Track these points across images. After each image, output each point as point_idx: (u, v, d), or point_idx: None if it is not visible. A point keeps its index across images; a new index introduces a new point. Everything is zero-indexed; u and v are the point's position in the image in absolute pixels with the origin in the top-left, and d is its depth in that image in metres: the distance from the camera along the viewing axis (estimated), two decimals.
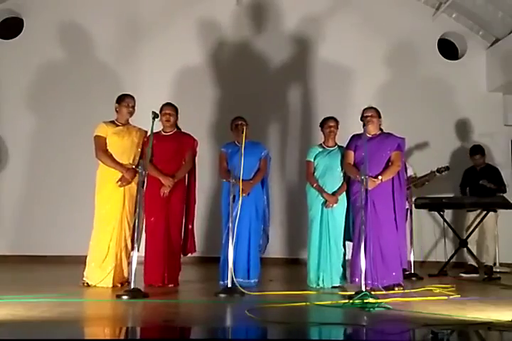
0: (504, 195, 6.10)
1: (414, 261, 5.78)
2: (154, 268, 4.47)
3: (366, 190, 4.16)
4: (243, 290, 4.06)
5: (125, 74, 7.05)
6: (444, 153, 7.22)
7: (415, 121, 7.09)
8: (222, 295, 3.95)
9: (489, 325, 2.82)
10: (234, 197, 4.35)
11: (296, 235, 6.80)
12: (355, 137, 4.76)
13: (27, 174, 6.89)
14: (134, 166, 4.56)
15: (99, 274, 4.42)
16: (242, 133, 4.62)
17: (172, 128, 4.80)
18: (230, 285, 4.05)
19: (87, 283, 4.44)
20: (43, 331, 2.68)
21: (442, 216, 6.29)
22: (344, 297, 3.96)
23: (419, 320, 3.06)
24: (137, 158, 4.67)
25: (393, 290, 4.36)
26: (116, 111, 4.73)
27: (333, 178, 4.80)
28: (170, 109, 4.75)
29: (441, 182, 6.58)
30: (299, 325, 2.99)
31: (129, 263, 4.41)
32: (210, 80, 7.28)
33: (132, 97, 4.74)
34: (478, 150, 6.50)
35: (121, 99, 4.72)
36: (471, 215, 6.24)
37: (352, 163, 4.70)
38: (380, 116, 4.76)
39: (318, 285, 4.67)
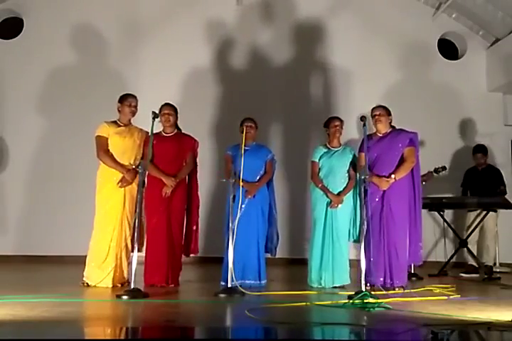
0: (506, 195, 6.11)
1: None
2: (156, 268, 4.46)
3: (366, 190, 4.15)
4: (243, 290, 4.06)
5: (127, 75, 7.04)
6: (444, 153, 7.22)
7: (415, 121, 7.04)
8: (222, 295, 3.95)
9: (489, 325, 2.82)
10: (234, 197, 4.36)
11: (298, 235, 6.80)
12: (367, 137, 4.73)
13: (28, 174, 6.88)
14: (134, 167, 4.55)
15: (99, 274, 4.42)
16: (242, 133, 4.65)
17: (172, 129, 4.79)
18: (229, 285, 4.05)
19: (87, 283, 4.44)
20: (43, 331, 2.68)
21: (442, 216, 6.29)
22: (345, 297, 3.96)
23: (419, 320, 3.06)
24: (138, 158, 4.67)
25: (393, 290, 4.36)
26: (119, 111, 4.72)
27: (337, 179, 4.79)
28: (169, 109, 4.74)
29: (441, 182, 6.58)
30: (299, 325, 2.99)
31: (129, 264, 4.41)
32: (212, 81, 7.28)
33: (134, 97, 4.73)
34: (480, 149, 6.51)
35: (124, 98, 4.71)
36: (471, 215, 6.24)
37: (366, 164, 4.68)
38: (389, 114, 4.73)
39: (320, 284, 4.67)
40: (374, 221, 4.49)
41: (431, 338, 2.76)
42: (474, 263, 6.12)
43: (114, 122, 4.71)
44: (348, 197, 4.78)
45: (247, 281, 4.53)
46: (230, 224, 4.29)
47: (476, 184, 6.41)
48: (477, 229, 6.10)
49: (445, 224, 6.45)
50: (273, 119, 7.22)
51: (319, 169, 4.88)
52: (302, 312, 3.46)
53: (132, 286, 3.84)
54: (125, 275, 4.51)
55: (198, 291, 4.50)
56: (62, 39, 7.18)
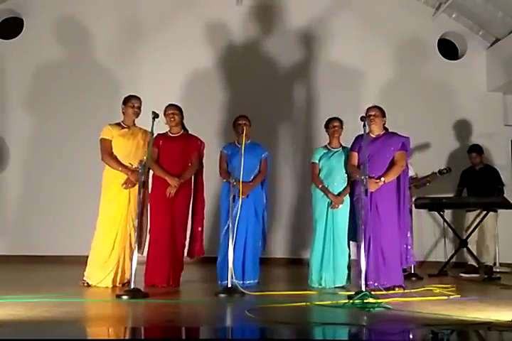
0: (504, 194, 6.10)
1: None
2: (158, 268, 4.46)
3: (366, 190, 4.16)
4: (243, 290, 4.06)
5: (126, 75, 7.04)
6: (444, 153, 7.22)
7: (415, 121, 7.09)
8: (222, 295, 3.95)
9: (489, 325, 2.82)
10: (234, 197, 4.35)
11: (298, 236, 6.80)
12: (359, 138, 4.71)
13: (27, 174, 6.89)
14: (135, 167, 4.53)
15: (99, 274, 4.42)
16: (242, 133, 4.64)
17: (178, 129, 4.80)
18: (229, 285, 4.05)
19: (87, 283, 4.44)
20: (43, 331, 2.68)
21: (442, 216, 6.29)
22: (345, 297, 3.96)
23: (419, 320, 3.07)
24: (144, 159, 4.66)
25: (393, 290, 4.36)
26: (123, 113, 4.74)
27: (338, 179, 4.80)
28: (173, 109, 4.75)
29: (442, 182, 6.58)
30: (299, 325, 2.99)
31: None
32: (213, 81, 7.28)
33: (138, 98, 4.74)
34: (474, 149, 6.51)
35: (127, 100, 4.74)
36: (471, 215, 6.24)
37: (356, 164, 4.67)
38: (384, 116, 4.72)
39: (320, 285, 4.67)
40: (360, 222, 4.44)
41: (431, 338, 2.76)
42: (474, 263, 6.12)
43: (118, 124, 4.73)
44: (348, 198, 4.78)
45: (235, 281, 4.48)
46: (230, 225, 4.28)
47: (474, 184, 6.40)
48: (477, 229, 6.09)
49: (445, 224, 6.44)
50: (276, 119, 7.22)
51: (320, 170, 4.88)
52: (302, 312, 3.46)
53: (132, 286, 3.84)
54: (127, 275, 4.50)
55: (198, 291, 4.49)
56: (62, 39, 7.18)
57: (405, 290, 4.37)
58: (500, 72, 7.35)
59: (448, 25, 7.69)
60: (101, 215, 4.56)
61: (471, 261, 6.17)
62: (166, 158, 4.66)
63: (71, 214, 6.52)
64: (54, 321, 2.89)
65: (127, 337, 2.74)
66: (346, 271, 4.71)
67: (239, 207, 4.46)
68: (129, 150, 4.63)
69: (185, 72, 7.20)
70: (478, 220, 6.08)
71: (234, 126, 4.91)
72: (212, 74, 7.30)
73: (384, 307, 3.45)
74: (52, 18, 7.20)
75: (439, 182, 6.44)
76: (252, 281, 4.64)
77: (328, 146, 4.96)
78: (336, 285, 4.64)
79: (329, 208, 4.73)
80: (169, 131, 4.80)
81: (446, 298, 4.06)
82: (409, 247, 4.60)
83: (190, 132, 4.92)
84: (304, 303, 3.64)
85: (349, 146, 4.87)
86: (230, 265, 4.08)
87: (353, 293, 3.82)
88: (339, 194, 4.75)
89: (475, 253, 6.09)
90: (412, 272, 5.54)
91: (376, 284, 4.32)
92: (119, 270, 4.49)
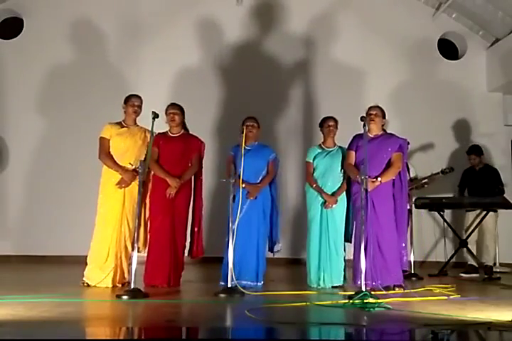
0: (504, 194, 6.10)
1: (414, 261, 5.78)
2: (159, 269, 4.46)
3: (366, 190, 4.16)
4: (243, 290, 4.06)
5: (127, 75, 7.05)
6: (444, 153, 7.22)
7: (415, 121, 7.10)
8: (222, 295, 3.95)
9: (489, 325, 2.82)
10: (234, 197, 4.35)
11: (297, 235, 6.80)
12: (357, 137, 4.71)
13: (28, 174, 6.89)
14: (134, 167, 4.52)
15: (99, 274, 4.42)
16: (242, 133, 4.64)
17: (179, 129, 4.78)
18: (229, 285, 4.05)
19: (87, 283, 4.44)
20: (43, 331, 2.68)
21: (442, 216, 6.29)
22: (344, 297, 3.96)
23: (419, 320, 3.07)
24: (139, 159, 4.66)
25: (393, 290, 4.36)
26: (124, 112, 4.75)
27: (332, 179, 4.80)
28: (174, 108, 4.74)
29: (442, 182, 6.58)
30: (298, 324, 2.99)
31: (130, 264, 4.40)
32: (212, 81, 7.28)
33: (138, 97, 4.74)
34: (473, 150, 6.51)
35: (128, 99, 4.74)
36: (471, 215, 6.24)
37: (353, 163, 4.67)
38: (384, 117, 4.73)
39: (318, 285, 4.66)
40: (358, 220, 4.45)
41: (431, 338, 2.76)
42: (474, 263, 6.12)
43: (119, 123, 4.73)
44: (343, 197, 4.79)
45: (243, 282, 4.48)
46: (230, 225, 4.29)
47: (474, 184, 6.41)
48: (477, 229, 6.09)
49: (445, 224, 6.44)
50: (272, 119, 7.22)
51: (314, 169, 4.88)
52: (302, 312, 3.46)
53: (132, 286, 3.84)
54: (126, 275, 4.51)
55: (198, 291, 4.49)
56: (62, 39, 7.18)
57: (405, 290, 4.37)
58: (500, 72, 7.35)
59: (448, 25, 7.69)
60: (98, 215, 4.56)
61: (471, 261, 6.17)
62: (166, 159, 4.65)
63: (72, 214, 6.52)
64: (54, 321, 2.89)
65: (127, 337, 2.74)
66: (342, 271, 4.71)
67: (242, 208, 4.46)
68: (125, 149, 4.62)
69: (185, 72, 7.20)
70: (478, 220, 6.08)
71: (242, 128, 4.88)
72: (211, 74, 7.30)
73: (384, 307, 3.45)
74: (53, 18, 7.20)
75: (439, 182, 6.45)
76: (261, 283, 4.65)
77: (322, 145, 4.95)
78: (334, 285, 4.64)
79: (323, 208, 4.73)
80: (169, 130, 4.79)
81: (446, 298, 4.05)
82: (403, 252, 4.60)
83: (190, 132, 4.91)
84: (304, 303, 3.64)
85: (345, 146, 4.87)
86: (230, 265, 4.08)
87: (353, 293, 3.81)
88: (333, 193, 4.75)
89: (475, 253, 6.09)
90: (412, 272, 5.55)
91: (374, 283, 4.33)
92: (119, 270, 4.48)
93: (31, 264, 6.17)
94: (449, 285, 4.67)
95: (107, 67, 7.14)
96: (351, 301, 3.61)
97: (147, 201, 4.62)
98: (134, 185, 4.52)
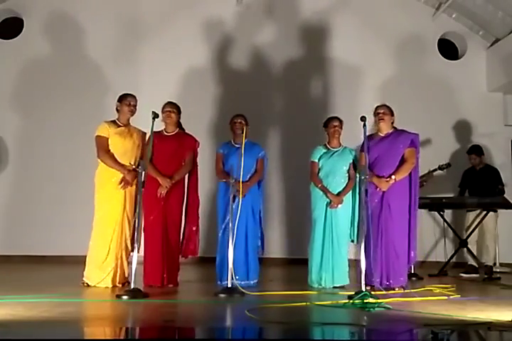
0: (504, 194, 6.10)
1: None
2: (153, 268, 4.46)
3: (366, 190, 4.15)
4: (243, 290, 4.06)
5: (126, 75, 7.03)
6: (444, 153, 7.20)
7: (415, 121, 7.04)
8: (222, 295, 3.95)
9: (489, 325, 2.82)
10: (234, 197, 4.35)
11: (297, 235, 6.79)
12: (368, 138, 4.72)
13: (27, 174, 6.88)
14: (134, 167, 4.51)
15: (98, 274, 4.42)
16: (242, 133, 4.62)
17: (174, 128, 4.77)
18: (229, 285, 4.05)
19: (87, 284, 4.44)
20: (43, 331, 2.68)
21: (442, 216, 6.29)
22: (344, 297, 3.96)
23: (419, 320, 3.07)
24: (138, 159, 4.66)
25: (393, 290, 4.37)
26: (117, 110, 4.71)
27: (337, 179, 4.79)
28: (171, 106, 4.73)
29: (442, 182, 6.58)
30: (298, 325, 2.99)
31: (129, 263, 4.41)
32: (212, 80, 7.28)
33: (134, 96, 4.72)
34: (474, 150, 6.52)
35: (123, 97, 4.70)
36: (471, 215, 6.24)
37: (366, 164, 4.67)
38: (392, 114, 4.74)
39: (319, 285, 4.66)
40: (373, 221, 4.49)
41: (431, 338, 2.76)
42: (474, 263, 6.12)
43: (114, 122, 4.69)
44: (348, 197, 4.78)
45: (235, 281, 4.49)
46: (230, 224, 4.28)
47: (474, 184, 6.41)
48: (477, 229, 6.09)
49: (445, 224, 6.44)
50: (274, 119, 7.22)
51: (319, 169, 4.87)
52: (302, 312, 3.45)
53: (132, 286, 3.84)
54: (126, 275, 4.51)
55: (197, 291, 4.49)
56: (62, 39, 7.18)
57: (405, 290, 4.38)
58: (500, 72, 7.35)
59: (448, 25, 7.69)
60: (97, 215, 4.53)
61: (471, 261, 6.17)
62: (159, 157, 4.61)
63: (71, 214, 6.52)
64: (54, 321, 2.89)
65: (127, 337, 2.74)
66: (347, 271, 4.70)
67: (239, 206, 4.45)
68: (125, 149, 4.60)
69: (185, 72, 7.20)
70: (478, 220, 6.08)
71: (230, 125, 4.89)
72: (211, 74, 7.30)
73: (384, 307, 3.45)
74: (52, 18, 7.20)
75: (439, 182, 6.44)
76: (255, 281, 4.65)
77: (327, 145, 4.95)
78: (336, 285, 4.63)
79: (328, 208, 4.73)
80: (164, 129, 4.77)
81: (446, 298, 4.06)
82: (415, 244, 4.61)
83: (187, 131, 4.88)
84: (304, 303, 3.64)
85: (349, 146, 4.90)
86: (230, 265, 4.08)
87: (353, 292, 3.81)
88: (338, 193, 4.75)
89: (475, 253, 6.09)
90: (412, 272, 5.54)
91: (389, 283, 4.36)
92: (119, 269, 4.48)
93: (31, 264, 6.17)
94: (449, 285, 4.68)
95: (107, 67, 7.13)
96: (351, 301, 3.61)
97: None
98: (134, 185, 4.51)
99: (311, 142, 5.69)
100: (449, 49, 7.84)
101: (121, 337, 2.70)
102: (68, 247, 6.29)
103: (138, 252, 3.99)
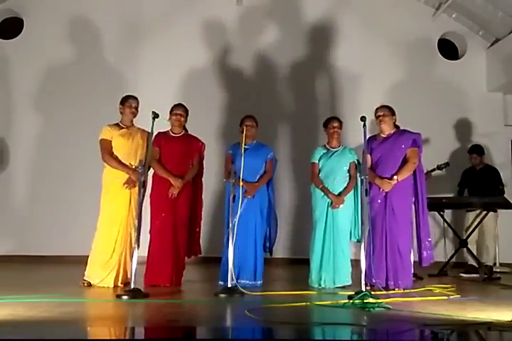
0: (504, 194, 6.10)
1: (414, 261, 5.76)
2: (162, 268, 4.47)
3: (366, 190, 4.15)
4: (243, 290, 4.06)
5: (127, 75, 7.04)
6: (444, 153, 7.20)
7: (415, 121, 7.02)
8: (222, 295, 3.95)
9: (489, 325, 2.82)
10: (234, 197, 4.36)
11: (299, 235, 6.79)
12: (371, 139, 4.73)
13: (28, 174, 6.88)
14: (134, 167, 4.52)
15: (100, 274, 4.43)
16: (242, 133, 4.65)
17: (180, 129, 4.81)
18: (229, 285, 4.05)
19: (88, 283, 4.44)
20: (43, 331, 2.68)
21: (442, 216, 6.29)
22: (345, 297, 3.96)
23: (419, 320, 3.07)
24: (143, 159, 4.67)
25: (393, 290, 4.37)
26: (121, 113, 4.76)
27: (338, 179, 4.79)
28: (181, 109, 4.77)
29: (442, 182, 6.58)
30: (299, 325, 2.99)
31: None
32: (213, 81, 7.27)
33: (135, 98, 4.76)
34: (475, 149, 6.52)
35: (125, 100, 4.75)
36: (471, 215, 6.24)
37: (369, 166, 4.65)
38: (393, 114, 4.74)
39: (320, 285, 4.66)
40: (377, 222, 4.50)
41: (431, 338, 2.76)
42: (474, 263, 6.12)
43: (117, 124, 4.74)
44: (349, 198, 4.78)
45: (242, 281, 4.50)
46: (230, 224, 4.29)
47: (474, 184, 6.41)
48: (477, 229, 6.09)
49: (445, 224, 6.45)
50: (276, 119, 7.21)
51: (319, 170, 4.88)
52: (302, 312, 3.46)
53: (132, 286, 3.84)
54: (129, 275, 4.50)
55: (198, 291, 4.49)
56: (62, 39, 7.17)
57: (405, 290, 4.38)
58: (500, 72, 7.34)
59: (448, 25, 7.69)
60: (102, 215, 4.56)
61: (471, 261, 6.17)
62: (168, 159, 4.67)
63: (72, 214, 6.52)
64: (54, 321, 2.89)
65: (127, 337, 2.74)
66: (349, 272, 4.70)
67: (239, 207, 4.46)
68: (128, 149, 4.64)
69: (186, 72, 7.20)
70: (478, 220, 6.08)
71: (240, 127, 4.88)
72: (212, 74, 7.29)
73: (384, 307, 3.45)
74: (53, 18, 7.20)
75: (439, 182, 6.44)
76: (261, 281, 4.66)
77: (327, 146, 4.96)
78: (336, 286, 4.63)
79: (329, 208, 4.73)
80: (171, 130, 4.81)
81: (446, 298, 4.06)
82: (428, 244, 4.62)
83: (190, 132, 4.92)
84: (304, 303, 3.64)
85: (350, 146, 4.91)
86: (230, 265, 4.08)
87: (353, 292, 3.81)
88: (339, 194, 4.75)
89: (475, 253, 6.09)
90: (412, 272, 5.53)
91: (397, 284, 4.37)
92: (121, 270, 4.49)
93: (32, 264, 6.17)
94: (449, 285, 4.68)
95: (107, 67, 7.12)
96: (351, 301, 3.61)
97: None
98: None
99: (315, 143, 5.73)
100: (449, 49, 7.84)
101: (122, 337, 2.71)
102: (68, 247, 6.29)
103: (138, 252, 3.99)
